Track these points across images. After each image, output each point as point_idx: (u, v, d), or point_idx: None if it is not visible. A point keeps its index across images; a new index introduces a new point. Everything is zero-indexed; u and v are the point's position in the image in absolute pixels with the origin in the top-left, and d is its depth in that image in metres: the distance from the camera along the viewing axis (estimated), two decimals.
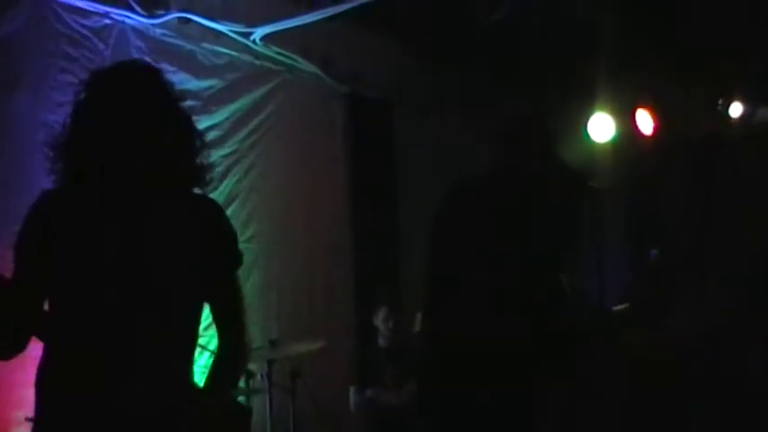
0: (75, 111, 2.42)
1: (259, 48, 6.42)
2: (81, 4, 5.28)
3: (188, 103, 6.22)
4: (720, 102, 8.26)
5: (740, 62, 8.18)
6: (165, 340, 2.40)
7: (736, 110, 8.44)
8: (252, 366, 5.58)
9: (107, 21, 5.45)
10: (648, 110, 8.27)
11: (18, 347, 2.40)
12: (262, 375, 5.47)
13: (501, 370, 3.34)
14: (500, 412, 3.34)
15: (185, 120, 2.65)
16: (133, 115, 2.41)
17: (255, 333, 6.21)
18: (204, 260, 2.46)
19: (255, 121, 6.50)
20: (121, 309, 2.34)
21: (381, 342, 6.36)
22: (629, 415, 5.72)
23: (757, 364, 6.02)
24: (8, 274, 2.36)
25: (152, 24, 5.70)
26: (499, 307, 3.37)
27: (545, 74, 7.97)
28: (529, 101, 7.57)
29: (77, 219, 2.38)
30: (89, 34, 5.31)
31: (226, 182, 6.20)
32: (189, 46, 5.99)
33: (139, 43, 5.65)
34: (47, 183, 2.49)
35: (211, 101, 6.12)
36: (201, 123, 6.09)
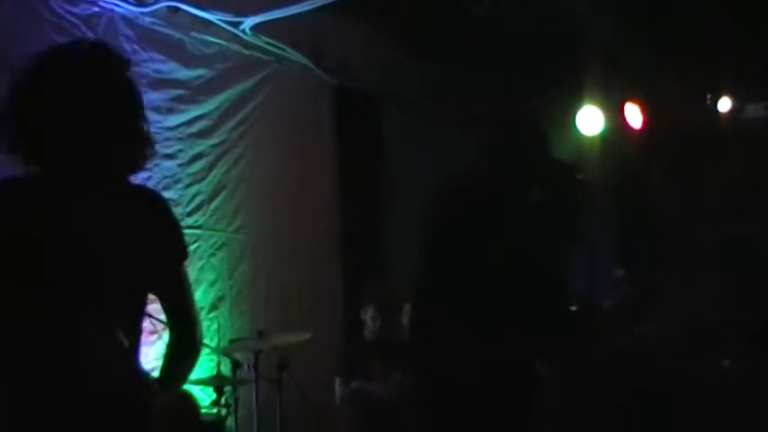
0: (19, 89, 2.36)
1: (248, 38, 6.41)
2: None
3: (177, 92, 6.23)
4: (709, 97, 8.28)
5: (729, 57, 8.20)
6: (108, 334, 2.34)
7: (724, 105, 8.46)
8: (238, 357, 5.58)
9: (95, 9, 5.41)
10: (637, 104, 8.28)
11: None
12: (248, 366, 5.46)
13: (493, 359, 3.34)
14: (493, 401, 3.34)
15: (129, 107, 2.45)
16: (74, 103, 2.32)
17: (243, 323, 6.22)
18: (146, 253, 2.39)
19: (244, 112, 6.48)
20: (60, 302, 2.29)
21: (368, 335, 6.36)
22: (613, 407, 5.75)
23: (738, 358, 6.06)
24: None
25: (141, 13, 5.68)
26: (496, 298, 3.37)
27: (534, 67, 7.97)
28: (517, 95, 7.58)
29: (12, 212, 2.34)
30: (77, 22, 5.28)
31: (214, 172, 6.19)
32: (178, 35, 5.97)
33: (128, 32, 5.63)
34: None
35: (200, 90, 6.10)
36: (190, 113, 6.16)
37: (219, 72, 6.29)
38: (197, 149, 6.05)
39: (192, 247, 5.95)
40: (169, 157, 5.81)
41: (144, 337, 2.49)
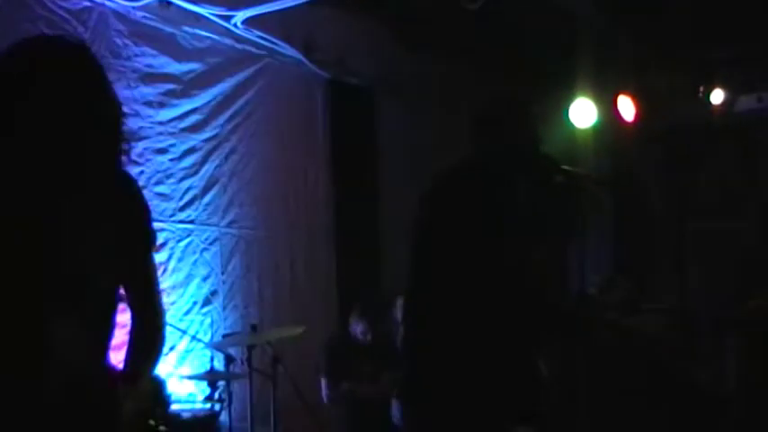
0: None
1: (240, 31, 6.38)
2: None
3: (168, 86, 6.22)
4: (702, 89, 8.28)
5: (721, 49, 8.21)
6: (79, 326, 2.30)
7: (717, 97, 8.46)
8: (232, 352, 5.57)
9: (87, 3, 5.39)
10: (630, 96, 8.28)
11: None
12: (242, 361, 5.45)
13: (488, 352, 3.33)
14: (489, 395, 3.33)
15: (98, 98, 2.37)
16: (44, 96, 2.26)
17: (236, 318, 6.21)
18: (114, 239, 2.34)
19: (236, 106, 6.46)
20: (31, 296, 2.25)
21: (356, 335, 6.31)
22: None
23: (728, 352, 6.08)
24: None
25: (132, 7, 5.66)
26: (485, 293, 3.36)
27: (528, 60, 7.97)
28: (510, 88, 7.57)
29: None
30: (68, 16, 5.26)
31: (207, 166, 6.17)
32: (169, 29, 5.95)
33: (119, 26, 5.61)
34: None
35: (192, 84, 6.09)
36: (182, 107, 6.16)
37: (211, 66, 6.27)
38: (189, 144, 6.04)
39: (184, 242, 5.94)
40: (161, 151, 5.80)
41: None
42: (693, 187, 9.41)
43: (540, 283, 3.58)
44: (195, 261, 5.97)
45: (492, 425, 3.35)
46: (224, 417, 5.38)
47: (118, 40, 5.55)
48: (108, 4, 5.50)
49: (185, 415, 5.26)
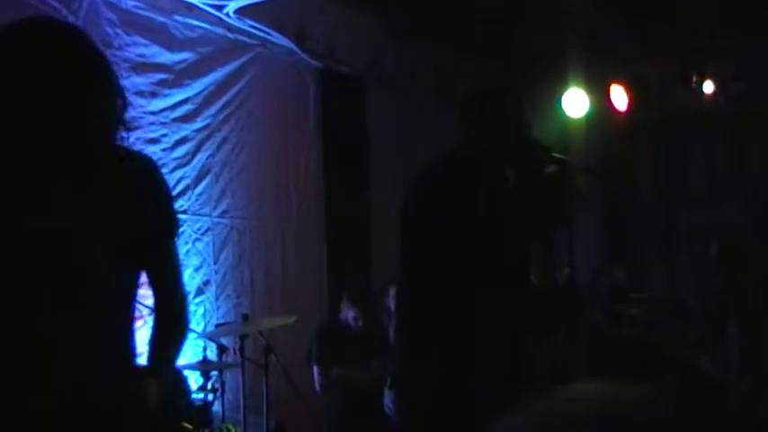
0: None
1: (232, 21, 6.37)
2: None
3: (160, 76, 6.20)
4: (695, 78, 8.29)
5: (713, 39, 8.22)
6: (90, 318, 2.22)
7: (708, 86, 8.47)
8: (224, 341, 5.58)
9: None
10: (623, 86, 8.29)
11: None
12: (234, 350, 5.46)
13: (481, 342, 3.33)
14: (482, 385, 3.34)
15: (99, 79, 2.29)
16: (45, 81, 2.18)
17: (228, 308, 6.22)
18: (132, 226, 2.24)
19: (228, 95, 6.45)
20: (37, 287, 2.18)
21: (347, 322, 6.31)
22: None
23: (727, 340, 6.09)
24: None
25: None
26: (477, 283, 3.37)
27: (520, 50, 7.97)
28: (502, 78, 7.58)
29: None
30: (58, 5, 5.23)
31: (199, 156, 6.17)
32: (161, 18, 5.93)
33: (110, 15, 5.58)
34: None
35: (184, 74, 6.07)
36: (174, 97, 6.14)
37: (203, 56, 6.25)
38: (181, 134, 6.03)
39: None
40: (153, 141, 5.79)
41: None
42: (684, 176, 9.43)
43: (531, 272, 3.59)
44: (188, 251, 5.97)
45: (484, 415, 3.36)
46: (217, 406, 5.38)
47: (109, 30, 5.53)
48: None
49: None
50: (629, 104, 8.35)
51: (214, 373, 5.39)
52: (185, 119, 6.08)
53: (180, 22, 6.06)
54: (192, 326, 5.86)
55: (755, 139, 9.09)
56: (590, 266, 8.15)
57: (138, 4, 5.73)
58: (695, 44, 8.29)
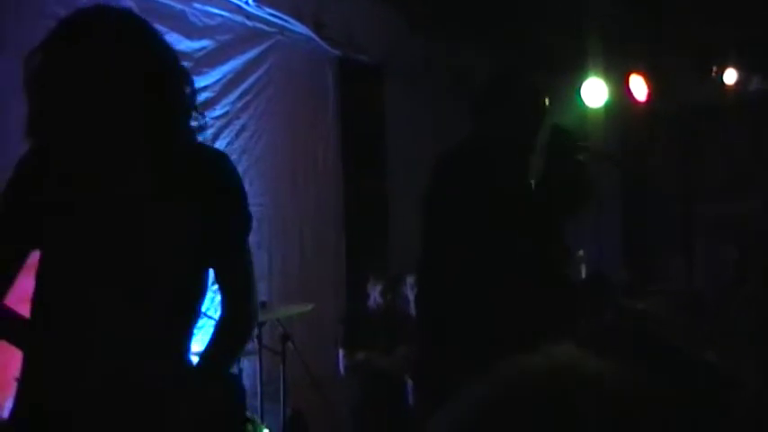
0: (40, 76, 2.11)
1: (251, 9, 6.37)
2: None
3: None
4: (715, 69, 8.24)
5: (735, 29, 8.16)
6: (154, 318, 2.18)
7: (730, 77, 8.42)
8: None
9: None
10: (642, 75, 8.25)
11: None
12: (252, 337, 5.47)
13: (500, 330, 3.32)
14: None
15: (168, 68, 2.27)
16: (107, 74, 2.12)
17: None
18: (206, 223, 2.21)
19: (247, 83, 6.46)
20: (98, 284, 2.14)
21: (373, 305, 6.35)
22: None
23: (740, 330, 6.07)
24: None
25: None
26: (498, 274, 3.36)
27: (539, 40, 7.94)
28: (521, 67, 7.54)
29: (57, 185, 2.16)
30: None
31: (217, 143, 6.17)
32: (180, 6, 5.93)
33: (129, 3, 5.57)
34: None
35: (203, 62, 6.07)
36: None
37: (222, 43, 6.26)
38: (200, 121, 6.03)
39: None
40: None
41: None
42: (703, 168, 9.39)
43: (552, 262, 3.58)
44: None
45: None
46: None
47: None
48: None
49: None
50: (649, 95, 8.31)
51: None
52: (204, 106, 6.05)
53: (199, 10, 6.07)
54: (210, 312, 5.88)
55: None
56: (604, 257, 8.13)
57: None
58: (717, 33, 8.23)
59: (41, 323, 2.22)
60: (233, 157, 6.39)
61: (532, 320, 3.32)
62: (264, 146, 6.56)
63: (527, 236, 3.42)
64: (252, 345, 5.48)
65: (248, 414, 5.12)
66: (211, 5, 6.13)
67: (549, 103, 3.66)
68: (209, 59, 6.13)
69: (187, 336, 2.31)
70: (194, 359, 2.37)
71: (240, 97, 6.40)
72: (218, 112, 6.19)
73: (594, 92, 8.04)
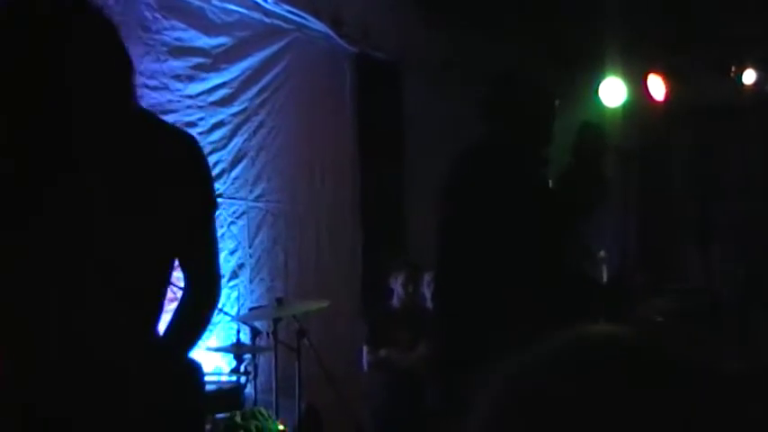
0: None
1: (269, 6, 6.39)
2: None
3: (197, 60, 6.21)
4: (733, 69, 8.20)
5: (754, 29, 8.12)
6: (116, 307, 2.16)
7: (749, 77, 8.37)
8: (258, 325, 5.62)
9: None
10: (660, 75, 8.22)
11: None
12: (267, 334, 5.50)
13: (521, 333, 3.32)
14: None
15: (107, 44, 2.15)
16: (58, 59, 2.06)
17: (262, 291, 6.25)
18: (171, 207, 2.17)
19: (265, 80, 6.48)
20: (60, 266, 2.11)
21: (396, 303, 6.37)
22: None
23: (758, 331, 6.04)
24: None
25: None
26: (517, 273, 3.36)
27: (557, 36, 7.92)
28: (538, 65, 7.53)
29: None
30: None
31: (235, 140, 6.20)
32: (198, 3, 5.95)
33: None
34: None
35: (221, 59, 6.10)
36: (211, 81, 6.17)
37: (240, 40, 6.27)
38: (218, 117, 6.06)
39: None
40: (190, 125, 5.81)
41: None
42: (720, 168, 9.34)
43: (572, 260, 3.58)
44: (223, 234, 6.00)
45: None
46: (249, 389, 5.43)
47: (147, 14, 5.56)
48: None
49: (210, 387, 5.32)
50: (667, 94, 8.27)
51: (247, 356, 5.44)
52: (222, 103, 6.11)
53: (217, 7, 6.09)
54: (227, 309, 5.91)
55: None
56: (624, 257, 8.10)
57: None
58: (735, 33, 8.19)
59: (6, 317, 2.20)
60: (250, 154, 6.47)
61: (550, 318, 3.32)
62: (282, 142, 6.57)
63: (546, 233, 3.42)
64: (268, 341, 5.51)
65: (263, 409, 5.16)
66: (230, 2, 6.15)
67: (565, 101, 3.66)
68: (228, 56, 6.16)
69: (154, 321, 2.27)
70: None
71: (258, 94, 6.41)
72: (236, 108, 6.21)
73: (613, 91, 8.01)
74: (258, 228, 6.29)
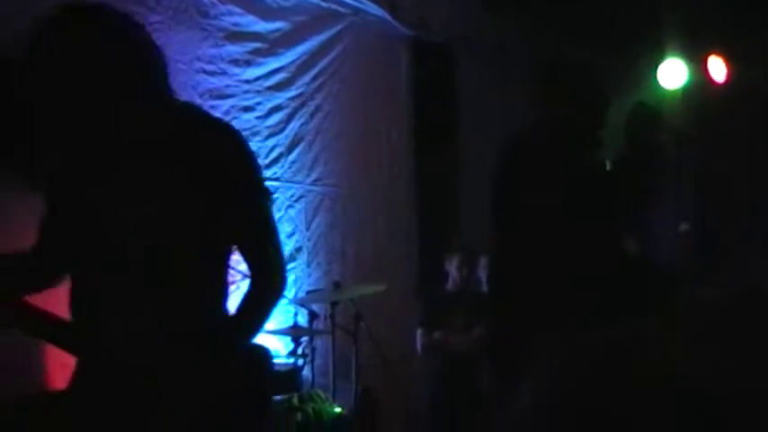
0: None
1: None
2: None
3: (255, 45, 6.25)
4: None
5: None
6: (173, 296, 2.24)
7: None
8: (315, 308, 5.66)
9: None
10: (722, 57, 8.09)
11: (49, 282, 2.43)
12: (325, 317, 5.54)
13: (569, 312, 3.31)
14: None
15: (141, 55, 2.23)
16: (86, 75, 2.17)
17: (319, 275, 6.30)
18: (210, 196, 2.23)
19: (321, 64, 6.50)
20: (120, 271, 2.21)
21: (451, 286, 6.38)
22: None
23: None
24: None
25: None
26: (571, 257, 3.35)
27: (614, 20, 7.83)
28: (595, 49, 7.45)
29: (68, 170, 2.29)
30: None
31: (292, 124, 6.23)
32: None
33: None
34: None
35: (278, 43, 6.13)
36: (268, 66, 6.21)
37: (297, 25, 6.30)
38: (275, 102, 6.10)
39: None
40: (247, 109, 5.87)
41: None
42: None
43: (626, 246, 3.56)
44: (280, 218, 6.05)
45: None
46: (306, 371, 5.47)
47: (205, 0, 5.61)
48: None
49: None
50: (728, 76, 8.14)
51: (304, 338, 5.48)
52: (279, 87, 6.15)
53: None
54: (284, 292, 5.96)
55: None
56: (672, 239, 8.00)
57: None
58: None
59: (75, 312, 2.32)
60: (307, 138, 6.50)
61: (605, 301, 3.31)
62: (338, 127, 6.60)
63: (601, 216, 3.40)
64: (325, 324, 5.55)
65: (320, 392, 5.20)
66: None
67: (623, 85, 3.64)
68: (285, 40, 6.18)
69: (216, 306, 2.35)
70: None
71: (315, 78, 6.44)
72: (293, 92, 6.24)
73: (673, 73, 7.90)
74: (315, 211, 6.33)
